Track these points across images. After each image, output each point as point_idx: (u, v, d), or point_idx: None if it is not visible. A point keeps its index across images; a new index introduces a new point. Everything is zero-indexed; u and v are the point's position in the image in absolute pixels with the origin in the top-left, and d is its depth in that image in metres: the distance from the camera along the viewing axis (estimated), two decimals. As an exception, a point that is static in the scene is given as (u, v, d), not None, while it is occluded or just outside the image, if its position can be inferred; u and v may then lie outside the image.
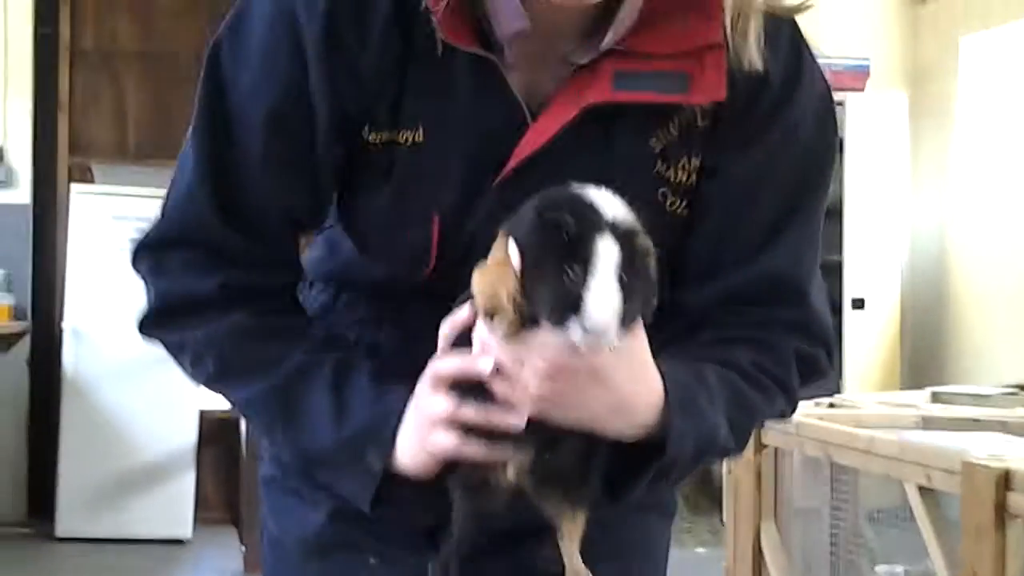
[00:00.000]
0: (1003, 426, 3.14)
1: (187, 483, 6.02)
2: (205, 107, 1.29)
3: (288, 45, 1.24)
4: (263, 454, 1.51)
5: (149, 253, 1.32)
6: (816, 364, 1.35)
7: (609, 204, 1.10)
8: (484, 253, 1.16)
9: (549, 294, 1.07)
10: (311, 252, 1.45)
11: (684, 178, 1.30)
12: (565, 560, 1.22)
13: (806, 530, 3.49)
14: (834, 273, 6.62)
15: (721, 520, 5.86)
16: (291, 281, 1.37)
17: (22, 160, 6.33)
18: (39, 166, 6.37)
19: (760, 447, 3.38)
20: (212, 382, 1.33)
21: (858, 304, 6.53)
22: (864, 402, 3.74)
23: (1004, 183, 6.36)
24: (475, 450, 1.18)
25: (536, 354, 1.12)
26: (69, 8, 6.41)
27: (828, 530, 3.44)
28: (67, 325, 5.95)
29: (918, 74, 7.14)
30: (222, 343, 1.31)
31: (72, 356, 5.93)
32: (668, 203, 1.30)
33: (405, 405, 1.24)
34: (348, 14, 1.24)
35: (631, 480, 1.23)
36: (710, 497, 6.47)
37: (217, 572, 5.67)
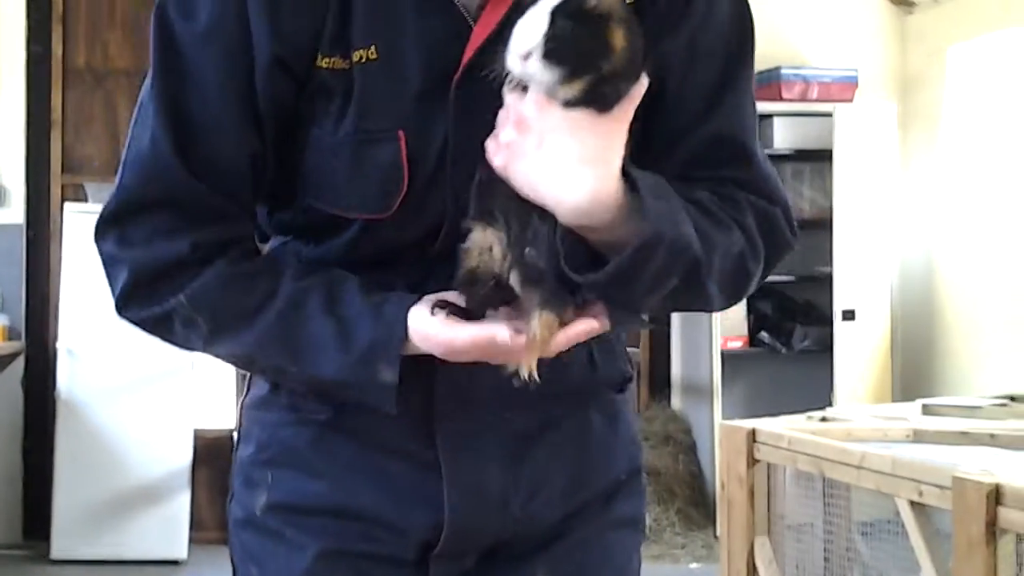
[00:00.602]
0: (993, 439, 3.17)
1: (182, 503, 6.01)
2: (159, 61, 1.33)
3: None
4: (232, 491, 1.51)
5: (112, 226, 1.34)
6: (774, 221, 1.42)
7: None
8: (452, 168, 1.28)
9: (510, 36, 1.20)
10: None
11: None
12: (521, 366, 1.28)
13: (800, 545, 3.51)
14: (824, 284, 6.65)
15: (715, 535, 5.89)
16: (254, 230, 1.42)
17: (15, 179, 6.33)
18: (32, 185, 6.37)
19: (753, 462, 3.41)
20: (209, 342, 1.34)
21: (848, 316, 6.54)
22: (856, 415, 3.76)
23: (993, 192, 6.38)
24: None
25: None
26: (62, 26, 6.42)
27: (822, 544, 3.46)
28: (61, 345, 5.95)
29: (906, 84, 7.17)
30: (208, 298, 1.32)
31: (67, 376, 5.93)
32: None
33: (405, 313, 1.29)
34: None
35: (618, 266, 1.24)
36: (704, 512, 6.49)
37: (213, 591, 5.67)
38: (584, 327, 1.27)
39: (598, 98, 1.21)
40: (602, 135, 1.22)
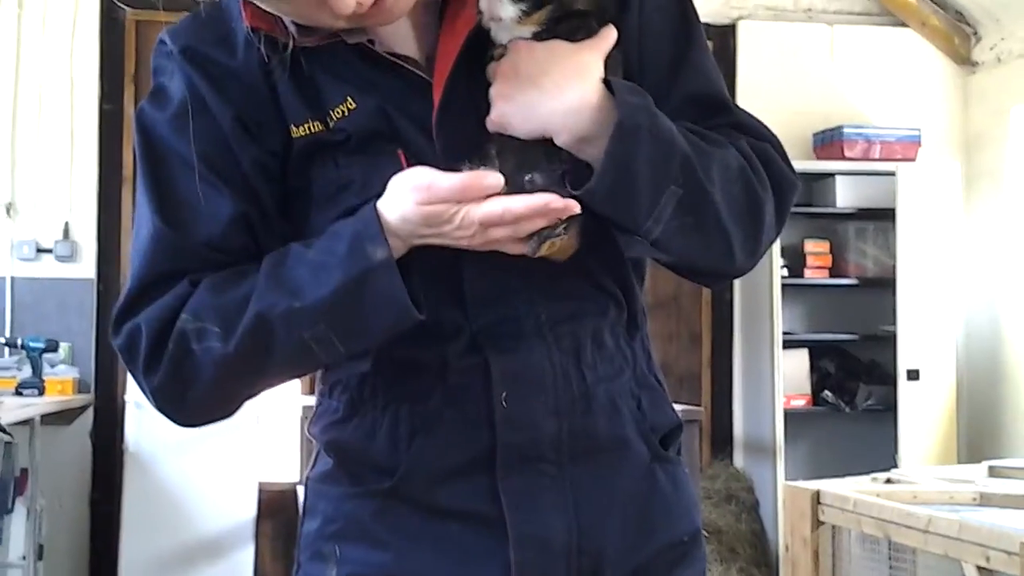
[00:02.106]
0: (1062, 503, 3.15)
1: (246, 556, 6.04)
2: (143, 154, 1.42)
3: (179, 76, 1.41)
4: (298, 564, 1.52)
5: (127, 314, 1.39)
6: (768, 152, 1.47)
7: None
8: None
9: None
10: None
11: None
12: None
13: (865, 608, 3.48)
14: (888, 344, 6.61)
15: (778, 594, 5.84)
16: None
17: (87, 234, 6.44)
18: (103, 240, 6.48)
19: (817, 524, 3.40)
20: (227, 338, 1.34)
21: (913, 375, 6.50)
22: (921, 477, 3.74)
23: (1059, 252, 6.34)
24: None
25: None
26: (134, 86, 6.56)
27: (887, 608, 3.44)
28: (129, 398, 6.02)
29: (970, 143, 7.15)
30: (206, 302, 1.35)
31: (134, 429, 6.00)
32: None
33: (375, 202, 1.33)
34: (208, 38, 1.42)
35: (606, 164, 1.31)
36: (766, 572, 6.44)
37: (275, 644, 5.69)
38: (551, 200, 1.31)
39: (567, 30, 1.35)
40: (576, 58, 1.34)
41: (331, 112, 1.40)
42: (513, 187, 1.31)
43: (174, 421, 1.44)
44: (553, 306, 1.43)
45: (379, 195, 1.35)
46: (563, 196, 1.30)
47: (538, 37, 1.34)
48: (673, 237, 1.35)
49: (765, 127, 1.51)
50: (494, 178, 1.30)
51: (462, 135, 1.36)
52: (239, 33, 1.42)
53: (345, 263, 1.32)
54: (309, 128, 1.40)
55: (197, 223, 1.38)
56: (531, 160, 1.34)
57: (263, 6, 1.36)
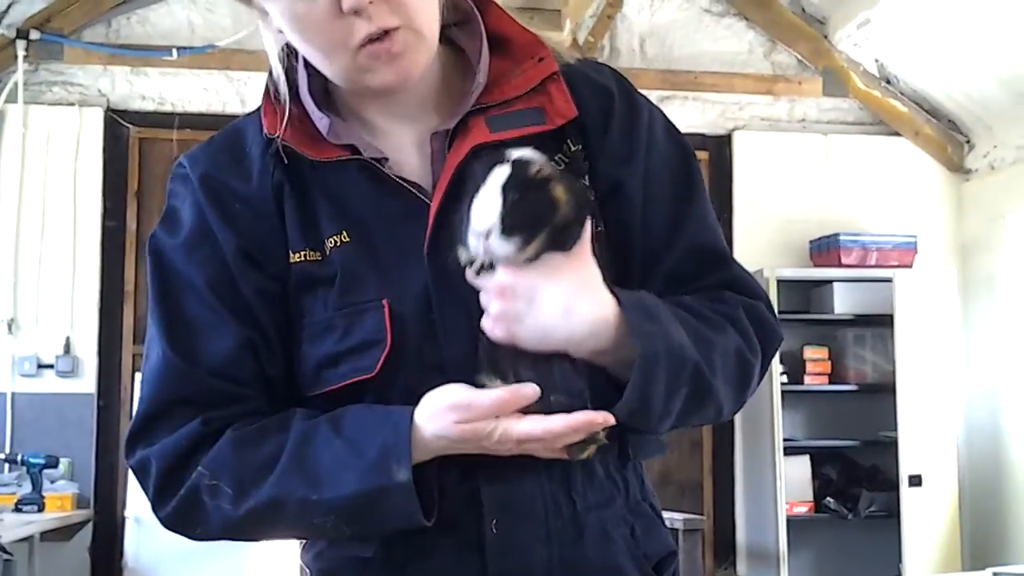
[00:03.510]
0: (1065, 609, 3.12)
1: (246, 671, 5.98)
2: (154, 279, 1.46)
3: (191, 202, 1.46)
4: None
5: (139, 438, 1.41)
6: (760, 312, 1.50)
7: (522, 151, 1.32)
8: (443, 326, 1.37)
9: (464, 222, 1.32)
10: None
11: None
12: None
13: None
14: (890, 450, 6.59)
15: None
16: (267, 405, 1.45)
17: (88, 349, 6.48)
18: (104, 355, 6.52)
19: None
20: (237, 503, 1.36)
21: (915, 481, 6.47)
22: (924, 584, 3.72)
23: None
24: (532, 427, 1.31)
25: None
26: (136, 203, 6.64)
27: None
28: (129, 513, 6.01)
29: (965, 249, 7.21)
30: (225, 459, 1.37)
31: (133, 544, 5.97)
32: None
33: (411, 411, 1.33)
34: (225, 163, 1.47)
35: (631, 391, 1.31)
36: None
37: None
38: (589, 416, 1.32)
39: (558, 243, 1.31)
40: (576, 270, 1.33)
41: (326, 241, 1.42)
42: (539, 409, 1.32)
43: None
44: None
45: (359, 343, 1.38)
46: (587, 406, 1.32)
47: (531, 260, 1.31)
48: (677, 423, 1.41)
49: (757, 284, 1.54)
50: (531, 390, 1.30)
51: (456, 261, 1.38)
52: (254, 156, 1.46)
53: (368, 473, 1.33)
54: (305, 256, 1.43)
55: (204, 351, 1.41)
56: (548, 374, 1.33)
57: (286, 27, 1.39)
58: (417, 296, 1.39)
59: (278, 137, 1.43)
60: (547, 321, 1.32)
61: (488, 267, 1.33)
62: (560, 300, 1.32)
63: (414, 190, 1.43)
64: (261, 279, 1.43)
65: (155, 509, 1.41)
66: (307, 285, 1.43)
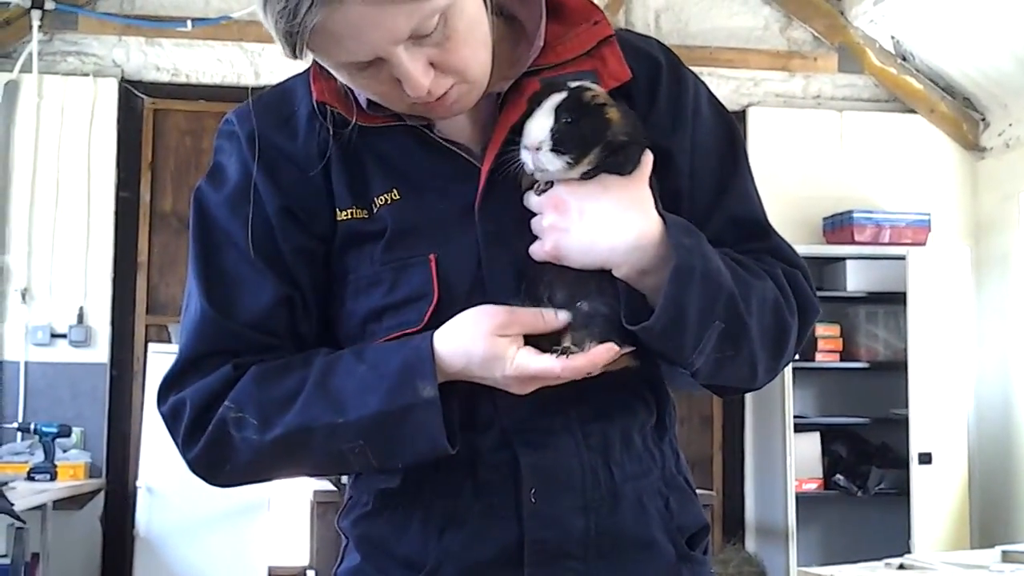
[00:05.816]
0: (1073, 587, 3.13)
1: (256, 641, 6.01)
2: (196, 231, 1.48)
3: (237, 158, 1.47)
4: None
5: (173, 386, 1.44)
6: (798, 280, 1.51)
7: (581, 81, 1.38)
8: (490, 284, 1.40)
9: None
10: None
11: None
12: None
13: None
14: (900, 428, 6.59)
15: None
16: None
17: (101, 320, 6.50)
18: (117, 325, 6.54)
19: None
20: (264, 432, 1.38)
21: (925, 459, 6.48)
22: (934, 563, 3.72)
23: (1070, 336, 6.33)
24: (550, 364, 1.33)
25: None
26: (150, 174, 6.65)
27: None
28: (141, 483, 6.03)
29: (979, 227, 7.19)
30: (249, 392, 1.39)
31: (145, 514, 6.00)
32: None
33: (431, 335, 1.36)
34: (272, 121, 1.48)
35: (664, 305, 1.33)
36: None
37: None
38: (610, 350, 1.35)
39: (613, 164, 1.35)
40: (630, 190, 1.36)
41: (375, 199, 1.44)
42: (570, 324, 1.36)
43: (207, 483, 1.47)
44: (583, 405, 1.44)
45: (406, 297, 1.40)
46: (617, 329, 1.35)
47: (586, 176, 1.36)
48: (711, 367, 1.40)
49: (796, 254, 1.55)
50: (562, 317, 1.36)
51: (506, 219, 1.40)
52: (302, 117, 1.48)
53: (392, 392, 1.35)
54: (352, 214, 1.45)
55: (241, 305, 1.43)
56: (584, 291, 1.37)
57: (341, 79, 1.40)
58: (466, 252, 1.41)
59: (326, 104, 1.44)
60: (593, 231, 1.35)
61: (547, 186, 1.37)
62: (608, 213, 1.35)
63: (462, 152, 1.44)
64: (302, 237, 1.45)
65: (184, 452, 1.43)
66: (354, 241, 1.45)
